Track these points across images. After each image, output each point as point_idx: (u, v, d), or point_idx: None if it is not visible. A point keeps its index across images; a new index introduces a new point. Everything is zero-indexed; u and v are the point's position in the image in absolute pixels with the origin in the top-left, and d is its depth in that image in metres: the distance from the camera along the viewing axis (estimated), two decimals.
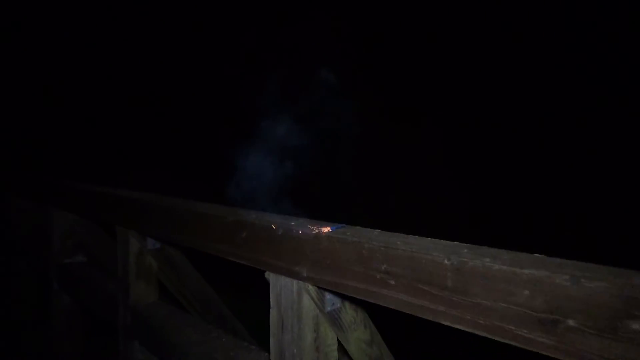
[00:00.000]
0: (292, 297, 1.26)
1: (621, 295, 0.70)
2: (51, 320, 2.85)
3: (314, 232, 1.19)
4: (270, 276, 1.33)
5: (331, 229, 1.19)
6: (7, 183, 3.54)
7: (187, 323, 1.84)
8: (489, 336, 0.86)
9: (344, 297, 1.25)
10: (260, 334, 1.60)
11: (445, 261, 0.92)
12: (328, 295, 1.24)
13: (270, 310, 1.34)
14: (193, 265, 2.08)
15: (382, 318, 1.39)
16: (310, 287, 1.23)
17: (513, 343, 0.83)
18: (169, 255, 2.06)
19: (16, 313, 3.44)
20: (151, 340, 1.94)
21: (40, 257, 3.07)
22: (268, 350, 1.39)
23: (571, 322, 0.75)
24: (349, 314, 1.29)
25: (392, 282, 1.01)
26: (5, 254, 3.55)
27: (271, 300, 1.33)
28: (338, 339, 1.31)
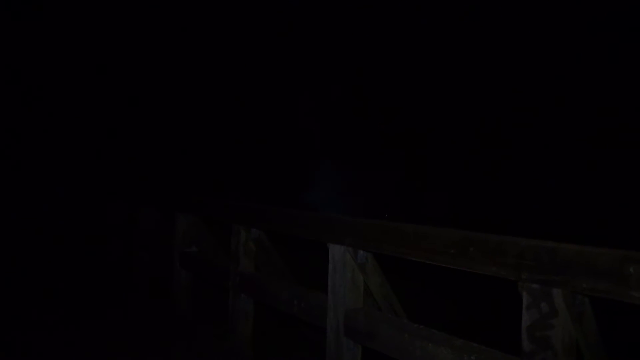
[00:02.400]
0: (341, 255, 2.43)
1: (466, 236, 1.83)
2: (173, 292, 4.16)
3: (353, 221, 2.37)
4: (329, 245, 2.51)
5: (361, 220, 2.36)
6: (140, 195, 4.97)
7: (276, 279, 3.06)
8: (425, 261, 1.99)
9: (368, 254, 2.40)
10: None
11: (409, 230, 2.07)
12: (359, 253, 2.39)
13: (329, 264, 2.51)
14: (276, 248, 3.30)
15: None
16: (350, 249, 2.39)
17: (434, 263, 1.95)
18: (263, 241, 3.29)
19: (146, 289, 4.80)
20: (253, 291, 3.16)
21: (163, 249, 4.43)
22: (326, 292, 2.55)
23: (452, 251, 1.88)
24: (370, 265, 2.43)
25: (388, 241, 2.16)
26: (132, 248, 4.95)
27: (330, 257, 2.50)
28: (364, 280, 2.46)
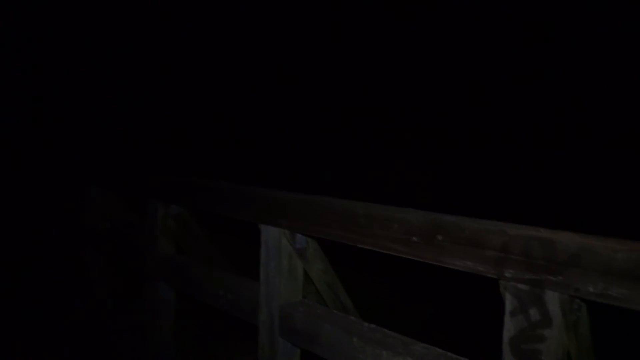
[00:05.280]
0: (276, 239, 1.97)
1: (434, 224, 1.43)
2: (85, 275, 3.56)
3: (291, 197, 1.91)
4: (261, 227, 2.04)
5: (301, 196, 1.90)
6: (41, 163, 4.23)
7: (200, 265, 2.56)
8: (379, 250, 1.58)
9: (308, 238, 1.96)
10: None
11: (359, 211, 1.64)
12: (298, 237, 1.95)
13: (261, 249, 2.05)
14: (201, 225, 2.79)
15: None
16: (286, 232, 1.94)
17: (389, 252, 1.55)
18: (185, 219, 2.77)
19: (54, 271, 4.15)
20: (172, 279, 2.66)
21: (73, 226, 3.78)
22: (258, 280, 2.11)
23: (415, 239, 1.48)
24: (311, 250, 2.00)
25: (334, 224, 1.73)
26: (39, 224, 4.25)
27: (262, 242, 2.04)
28: (304, 268, 2.03)
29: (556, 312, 1.20)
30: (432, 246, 1.43)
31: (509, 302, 1.28)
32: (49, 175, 4.12)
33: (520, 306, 1.25)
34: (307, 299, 2.12)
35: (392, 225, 1.54)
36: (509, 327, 1.28)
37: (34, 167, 4.31)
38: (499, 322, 1.30)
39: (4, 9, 6.04)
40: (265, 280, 2.03)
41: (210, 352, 2.86)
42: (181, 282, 2.60)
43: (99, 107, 6.75)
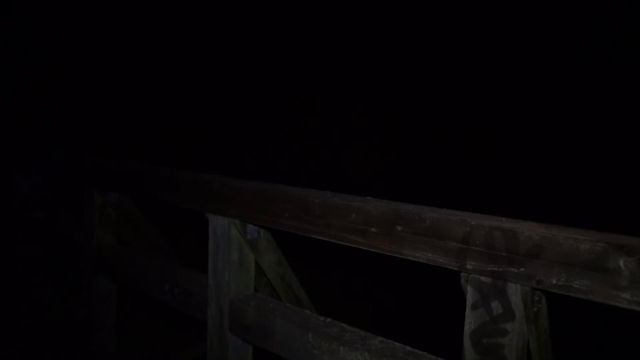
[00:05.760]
0: (224, 229, 1.85)
1: (394, 214, 1.36)
2: (15, 263, 3.28)
3: (241, 185, 1.78)
4: (209, 216, 1.91)
5: (251, 184, 1.78)
6: None
7: (143, 257, 2.39)
8: (336, 241, 1.50)
9: (260, 228, 1.85)
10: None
11: (315, 200, 1.54)
12: (249, 227, 1.84)
13: (209, 240, 1.92)
14: (144, 213, 2.61)
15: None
16: (236, 221, 1.82)
17: (347, 244, 1.47)
18: (126, 207, 2.57)
19: None
20: (112, 273, 2.47)
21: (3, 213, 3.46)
22: (207, 272, 1.98)
23: (373, 229, 1.40)
24: (263, 242, 1.90)
25: (287, 214, 1.63)
26: None
27: (210, 232, 1.91)
28: (256, 260, 1.92)
29: (518, 305, 1.17)
30: (391, 237, 1.36)
31: (470, 295, 1.23)
32: None
33: (482, 299, 1.21)
34: (259, 292, 2.02)
35: (349, 215, 1.46)
36: (470, 321, 1.24)
37: None
38: (460, 315, 1.25)
39: None
40: (214, 273, 1.91)
41: (157, 349, 2.71)
42: (122, 276, 2.42)
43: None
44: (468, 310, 1.24)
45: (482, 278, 1.20)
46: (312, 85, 8.20)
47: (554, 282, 1.09)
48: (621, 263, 1.01)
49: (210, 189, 1.89)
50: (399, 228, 1.34)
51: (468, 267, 1.22)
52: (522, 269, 1.14)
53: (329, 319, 1.66)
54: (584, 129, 7.15)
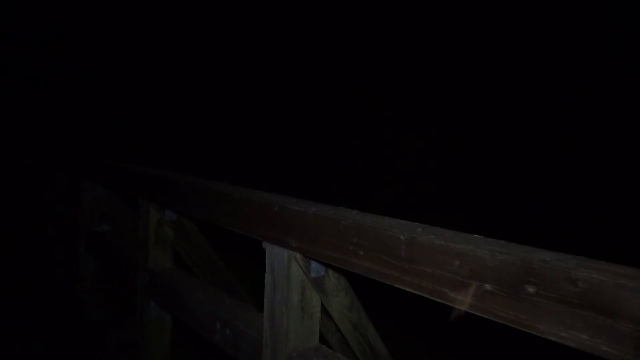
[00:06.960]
0: (283, 264, 1.48)
1: (522, 265, 0.90)
2: (77, 281, 3.17)
3: (302, 209, 1.41)
4: (266, 245, 1.56)
5: (316, 209, 1.40)
6: (42, 157, 3.86)
7: (197, 286, 2.09)
8: (429, 297, 1.07)
9: (327, 266, 1.47)
10: (258, 298, 1.84)
11: (401, 236, 1.12)
12: (313, 264, 1.46)
13: (265, 274, 1.57)
14: (205, 237, 2.33)
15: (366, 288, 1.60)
16: (298, 255, 1.45)
17: (446, 302, 1.03)
18: (184, 226, 2.31)
19: (46, 274, 3.78)
20: (164, 300, 2.20)
21: (69, 225, 3.39)
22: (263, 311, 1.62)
23: (487, 287, 0.96)
24: (332, 281, 1.51)
25: (361, 252, 1.22)
26: (38, 221, 3.89)
27: (266, 266, 1.56)
28: (322, 303, 1.53)
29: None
30: (518, 302, 0.90)
31: None
32: (51, 169, 3.75)
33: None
34: (327, 337, 1.63)
35: (450, 262, 1.02)
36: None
37: (36, 162, 3.96)
38: None
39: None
40: (270, 318, 1.55)
41: None
42: (173, 305, 2.14)
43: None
44: None
45: None
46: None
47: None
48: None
49: (268, 212, 1.54)
50: (531, 290, 0.88)
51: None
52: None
53: None
54: None
